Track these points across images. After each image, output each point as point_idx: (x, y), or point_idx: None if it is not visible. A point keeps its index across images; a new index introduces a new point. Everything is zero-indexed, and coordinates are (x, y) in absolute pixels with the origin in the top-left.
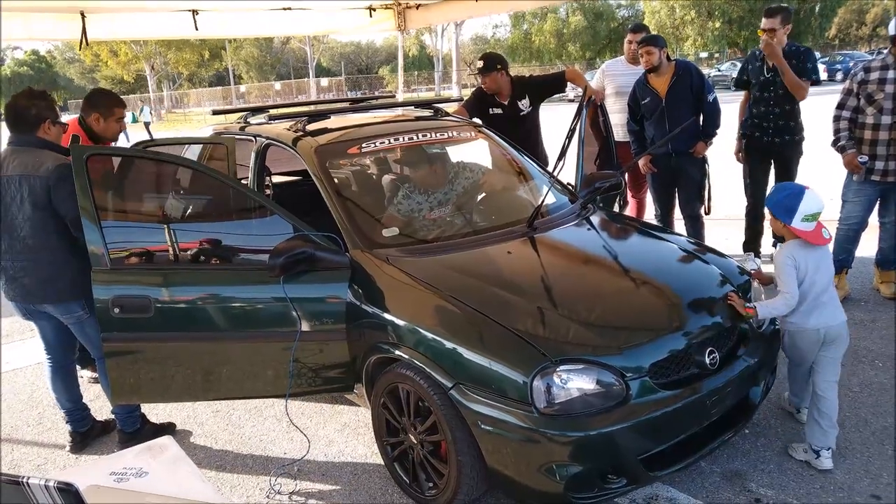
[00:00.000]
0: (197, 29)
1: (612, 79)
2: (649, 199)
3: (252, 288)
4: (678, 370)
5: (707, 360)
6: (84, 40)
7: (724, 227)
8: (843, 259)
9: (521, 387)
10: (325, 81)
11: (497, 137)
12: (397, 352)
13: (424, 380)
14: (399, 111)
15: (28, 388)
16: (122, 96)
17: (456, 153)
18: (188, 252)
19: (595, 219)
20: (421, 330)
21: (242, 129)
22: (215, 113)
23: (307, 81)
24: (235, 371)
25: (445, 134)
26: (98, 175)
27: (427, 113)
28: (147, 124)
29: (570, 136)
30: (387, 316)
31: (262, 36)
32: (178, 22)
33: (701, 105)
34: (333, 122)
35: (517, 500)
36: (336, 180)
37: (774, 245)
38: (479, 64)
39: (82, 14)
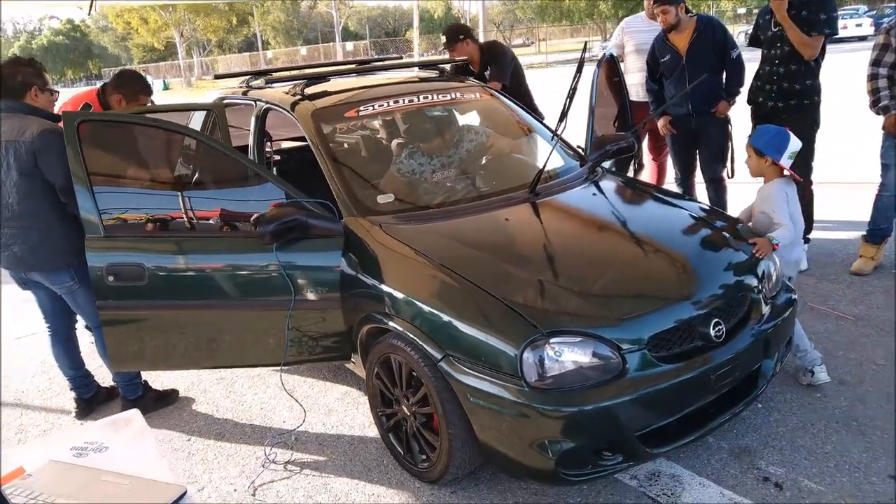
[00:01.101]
0: None
1: (632, 36)
2: (670, 162)
3: (246, 256)
4: (680, 343)
5: (712, 332)
6: (92, 5)
7: (749, 191)
8: (885, 228)
9: (511, 359)
10: (350, 45)
11: (505, 98)
12: (391, 322)
13: (415, 351)
14: (404, 73)
15: (42, 353)
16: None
17: (462, 115)
18: (181, 220)
19: (603, 183)
20: (412, 300)
21: (245, 93)
22: (217, 77)
23: (333, 46)
24: (233, 339)
25: (449, 95)
26: (90, 141)
27: (433, 74)
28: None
29: (570, 97)
30: (379, 285)
31: None
32: None
33: (724, 62)
34: (333, 85)
35: (510, 475)
36: (332, 145)
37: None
38: (443, 39)
39: None
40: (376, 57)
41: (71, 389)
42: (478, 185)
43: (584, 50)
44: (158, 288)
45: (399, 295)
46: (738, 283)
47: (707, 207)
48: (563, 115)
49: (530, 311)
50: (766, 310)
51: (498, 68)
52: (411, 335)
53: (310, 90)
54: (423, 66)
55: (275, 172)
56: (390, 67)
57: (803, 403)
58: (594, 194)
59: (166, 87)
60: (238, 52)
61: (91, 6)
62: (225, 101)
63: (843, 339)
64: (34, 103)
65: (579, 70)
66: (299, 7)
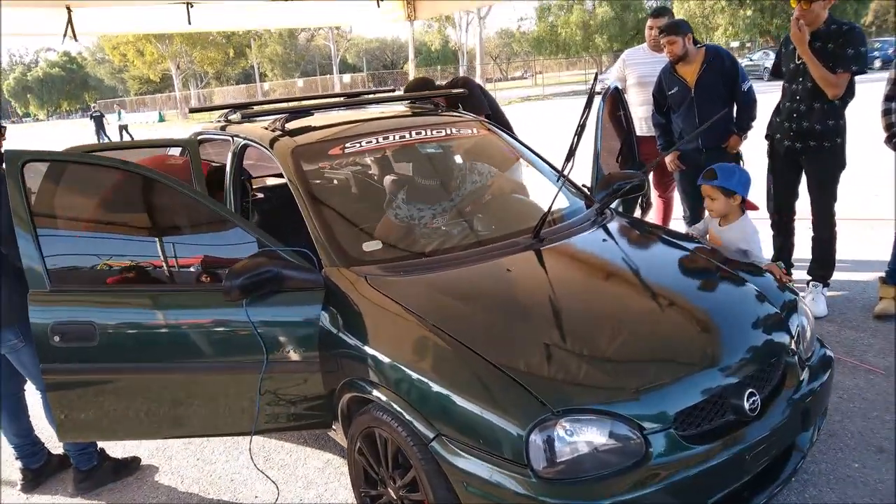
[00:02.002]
0: (190, 23)
1: (634, 68)
2: (677, 198)
3: (211, 311)
4: (710, 418)
5: (746, 405)
6: (72, 34)
7: (762, 230)
8: None
9: (515, 442)
10: (347, 78)
11: (503, 134)
12: (374, 392)
13: (402, 427)
14: (396, 107)
15: None
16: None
17: (458, 152)
18: (139, 270)
19: (612, 226)
20: (400, 366)
21: (223, 128)
22: (192, 111)
23: (331, 78)
24: (198, 406)
25: (443, 131)
26: (42, 182)
27: (426, 108)
28: (123, 128)
29: (578, 134)
30: (362, 346)
31: (262, 28)
32: (170, 15)
33: (735, 95)
34: (318, 119)
35: None
36: (313, 186)
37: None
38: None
39: (68, 8)
40: (364, 90)
41: (17, 458)
42: (475, 229)
43: (595, 81)
44: (111, 349)
45: (385, 359)
46: (769, 344)
47: (725, 255)
48: (571, 154)
49: (537, 383)
50: (803, 375)
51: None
52: (398, 407)
53: (291, 125)
54: (415, 99)
55: (255, 215)
56: (380, 101)
57: (841, 476)
58: (604, 240)
59: (162, 119)
60: (236, 84)
61: (65, 34)
62: (202, 137)
63: (877, 397)
64: None
65: (589, 104)
66: (297, 40)
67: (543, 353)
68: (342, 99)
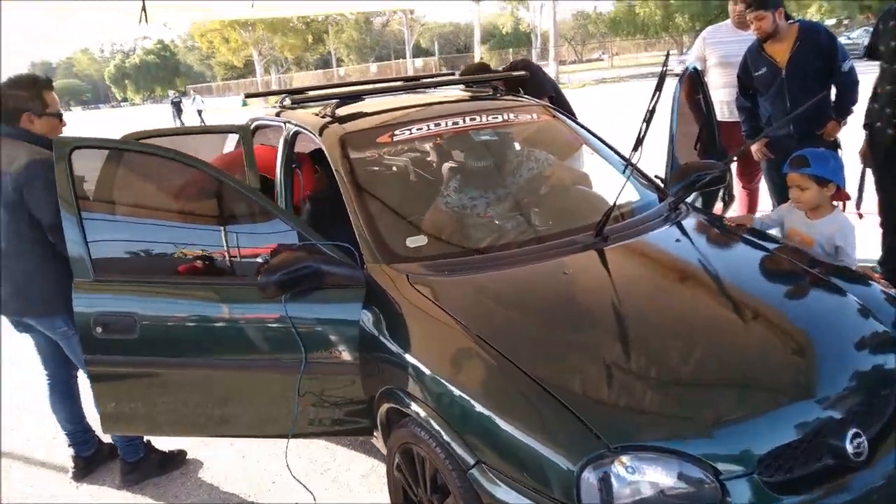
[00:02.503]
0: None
1: (715, 47)
2: (763, 190)
3: (250, 306)
4: (805, 462)
5: (850, 448)
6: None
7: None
8: None
9: (564, 478)
10: (419, 62)
11: (567, 119)
12: (413, 405)
13: (441, 448)
14: (453, 91)
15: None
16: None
17: (516, 139)
18: (178, 262)
19: (689, 224)
20: (440, 380)
21: (278, 114)
22: (248, 97)
23: (403, 63)
24: (239, 405)
25: (500, 116)
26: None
27: (483, 91)
28: (199, 112)
29: (647, 119)
30: (402, 354)
31: (324, 12)
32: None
33: (833, 75)
34: (370, 105)
35: None
36: (359, 176)
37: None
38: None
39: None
40: (423, 74)
41: (69, 446)
42: (530, 224)
43: (666, 62)
44: (150, 343)
45: (424, 370)
46: (878, 371)
47: (821, 258)
48: (640, 141)
49: (593, 411)
50: None
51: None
52: (436, 426)
53: (342, 111)
54: (472, 82)
55: (308, 205)
56: (436, 85)
57: None
58: (678, 240)
59: (245, 104)
60: (314, 70)
61: (142, 16)
62: (258, 123)
63: None
64: (31, 128)
65: (659, 87)
66: (372, 25)
67: (602, 374)
68: (397, 83)
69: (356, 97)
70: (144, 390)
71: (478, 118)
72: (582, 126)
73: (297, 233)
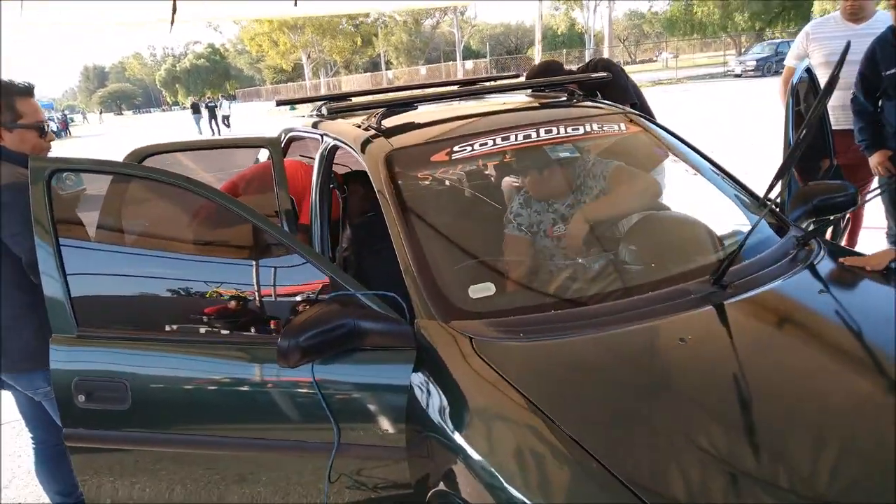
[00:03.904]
0: (296, 5)
1: (822, 44)
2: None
3: (267, 369)
4: None
5: None
6: (172, 20)
7: None
8: None
9: None
10: (469, 64)
11: (659, 130)
12: None
13: None
14: (521, 97)
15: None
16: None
17: (601, 156)
18: (178, 310)
19: (826, 267)
20: (511, 492)
21: (316, 125)
22: (280, 104)
23: (453, 65)
24: (250, 493)
25: (581, 128)
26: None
27: (558, 98)
28: (225, 118)
29: (801, 136)
30: (461, 445)
31: (370, 10)
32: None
33: None
34: (422, 115)
35: None
36: (408, 203)
37: None
38: None
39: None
40: (483, 77)
41: None
42: (629, 269)
43: (842, 62)
44: (145, 415)
45: (489, 470)
46: None
47: None
48: (786, 168)
49: None
50: None
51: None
52: None
53: (389, 122)
54: (543, 86)
55: (349, 235)
56: (500, 90)
57: None
58: (820, 291)
59: (293, 108)
60: (363, 73)
61: (172, 20)
62: (292, 134)
63: None
64: (2, 144)
65: (829, 92)
66: (422, 27)
67: (732, 490)
68: (453, 88)
69: (406, 105)
70: (136, 472)
71: (554, 130)
72: (678, 138)
73: (330, 278)
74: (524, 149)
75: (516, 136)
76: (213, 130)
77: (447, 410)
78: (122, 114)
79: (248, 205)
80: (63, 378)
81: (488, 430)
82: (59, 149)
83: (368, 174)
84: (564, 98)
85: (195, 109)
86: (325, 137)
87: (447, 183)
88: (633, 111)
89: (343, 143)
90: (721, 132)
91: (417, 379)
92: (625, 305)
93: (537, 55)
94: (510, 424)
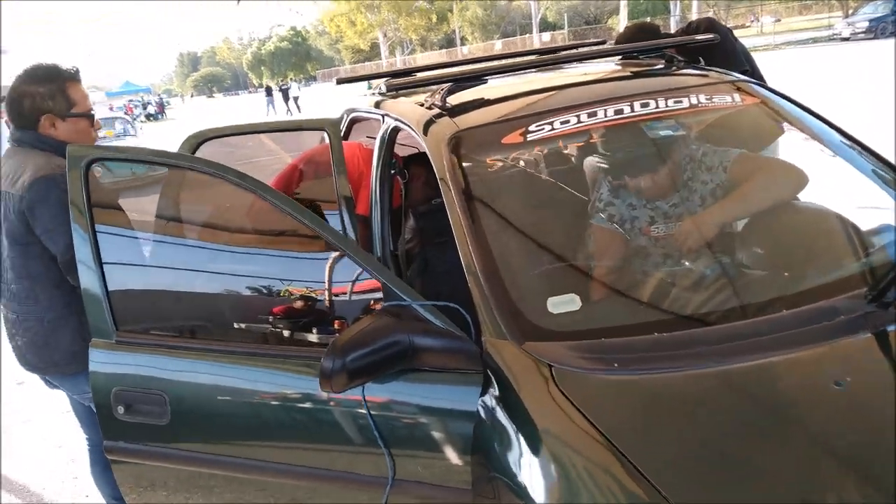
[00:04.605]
0: None
1: None
2: None
3: (311, 385)
4: None
5: None
6: None
7: None
8: None
9: None
10: (546, 36)
11: (783, 103)
12: None
13: None
14: (605, 67)
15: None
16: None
17: (711, 137)
18: (226, 315)
19: None
20: None
21: (378, 105)
22: (340, 82)
23: (530, 38)
24: None
25: (685, 100)
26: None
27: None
28: (294, 99)
29: None
30: (534, 498)
31: None
32: None
33: None
34: (493, 90)
35: None
36: (475, 193)
37: None
38: None
39: None
40: (567, 44)
41: None
42: (752, 278)
43: None
44: (185, 433)
45: None
46: None
47: None
48: None
49: None
50: None
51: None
52: None
53: (453, 99)
54: (636, 51)
55: (412, 228)
56: (589, 57)
57: None
58: None
59: (370, 87)
60: (439, 50)
61: None
62: (354, 115)
63: None
64: (51, 134)
65: None
66: (497, 1)
67: None
68: (529, 58)
69: (475, 78)
70: (179, 490)
71: (652, 103)
72: (813, 114)
73: (382, 284)
74: (615, 127)
75: (605, 111)
76: (288, 111)
77: (519, 454)
78: (212, 96)
79: (308, 190)
80: (102, 387)
81: (569, 489)
82: (157, 130)
83: (430, 158)
84: (662, 65)
85: (268, 92)
86: (385, 118)
87: (522, 169)
88: (746, 79)
89: (404, 123)
90: (839, 106)
91: (486, 404)
92: (752, 328)
93: (622, 22)
94: (598, 486)
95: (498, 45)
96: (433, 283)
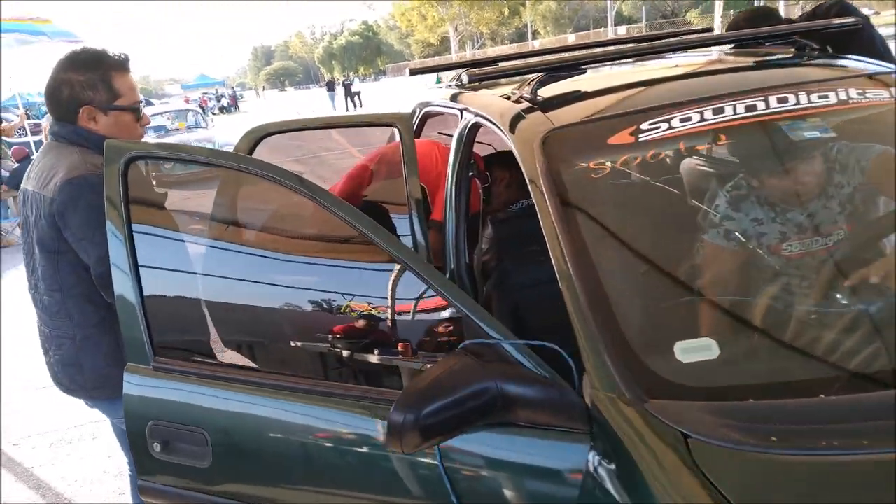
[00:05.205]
0: None
1: None
2: None
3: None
4: None
5: None
6: None
7: None
8: None
9: None
10: (622, 30)
11: None
12: None
13: None
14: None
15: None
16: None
17: (864, 138)
18: (280, 339)
19: None
20: None
21: (454, 98)
22: (413, 73)
23: (605, 32)
24: None
25: (832, 95)
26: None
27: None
28: (356, 94)
29: None
30: None
31: None
32: None
33: None
34: (590, 81)
35: None
36: (578, 205)
37: None
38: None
39: None
40: (672, 31)
41: None
42: None
43: None
44: (227, 476)
45: None
46: None
47: None
48: None
49: None
50: None
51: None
52: None
53: (545, 92)
54: (761, 39)
55: (494, 239)
56: (703, 44)
57: None
58: None
59: (438, 81)
60: (509, 44)
61: None
62: (427, 109)
63: None
64: (90, 128)
65: None
66: None
67: None
68: (631, 46)
69: (571, 68)
70: None
71: (792, 98)
72: None
73: (466, 312)
74: (740, 126)
75: (734, 106)
76: (351, 106)
77: None
78: (284, 90)
79: (378, 192)
80: (137, 419)
81: None
82: (228, 122)
83: (518, 160)
84: (792, 55)
85: (330, 87)
86: (464, 112)
87: (634, 174)
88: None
89: (486, 119)
90: None
91: (594, 471)
92: None
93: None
94: None
95: (571, 38)
96: (511, 302)
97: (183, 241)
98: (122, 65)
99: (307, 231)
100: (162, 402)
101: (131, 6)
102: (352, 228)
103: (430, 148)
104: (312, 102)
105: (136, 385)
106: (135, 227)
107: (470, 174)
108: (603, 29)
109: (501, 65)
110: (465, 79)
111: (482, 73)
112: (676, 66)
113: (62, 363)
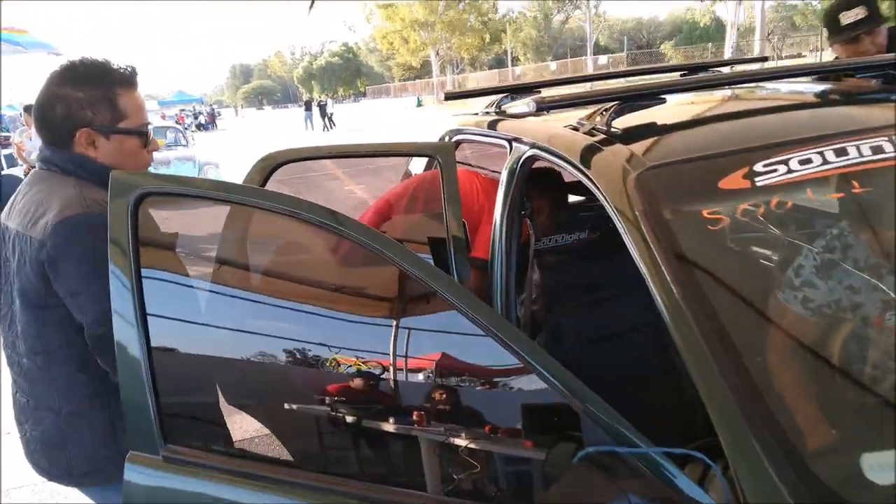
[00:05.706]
0: None
1: None
2: None
3: None
4: None
5: None
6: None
7: None
8: None
9: None
10: (603, 59)
11: None
12: None
13: None
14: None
15: None
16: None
17: None
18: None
19: None
20: None
21: (493, 125)
22: (448, 98)
23: (584, 60)
24: None
25: None
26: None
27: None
28: (329, 116)
29: None
30: None
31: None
32: None
33: None
34: (672, 112)
35: None
36: (691, 259)
37: None
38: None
39: None
40: (756, 56)
41: None
42: None
43: None
44: None
45: None
46: None
47: None
48: None
49: None
50: None
51: None
52: None
53: (621, 123)
54: (858, 70)
55: (537, 278)
56: (783, 76)
57: None
58: None
59: (419, 104)
60: (489, 69)
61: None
62: (458, 137)
63: None
64: (88, 154)
65: None
66: (551, 23)
67: None
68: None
69: (650, 96)
70: None
71: None
72: None
73: (564, 394)
74: (873, 171)
75: (857, 148)
76: (325, 126)
77: None
78: (262, 108)
79: (395, 228)
80: None
81: None
82: (208, 140)
83: (605, 200)
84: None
85: (307, 106)
86: (515, 143)
87: (758, 225)
88: None
89: (548, 151)
90: None
91: None
92: None
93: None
94: None
95: (552, 66)
96: (569, 363)
97: (206, 291)
98: (128, 79)
99: (358, 283)
100: (174, 490)
101: (108, 20)
102: (420, 283)
103: (470, 179)
104: (291, 121)
105: (140, 479)
106: (145, 274)
107: (522, 213)
108: (583, 57)
109: (567, 91)
110: (532, 106)
111: (553, 100)
112: (769, 96)
113: (41, 441)
